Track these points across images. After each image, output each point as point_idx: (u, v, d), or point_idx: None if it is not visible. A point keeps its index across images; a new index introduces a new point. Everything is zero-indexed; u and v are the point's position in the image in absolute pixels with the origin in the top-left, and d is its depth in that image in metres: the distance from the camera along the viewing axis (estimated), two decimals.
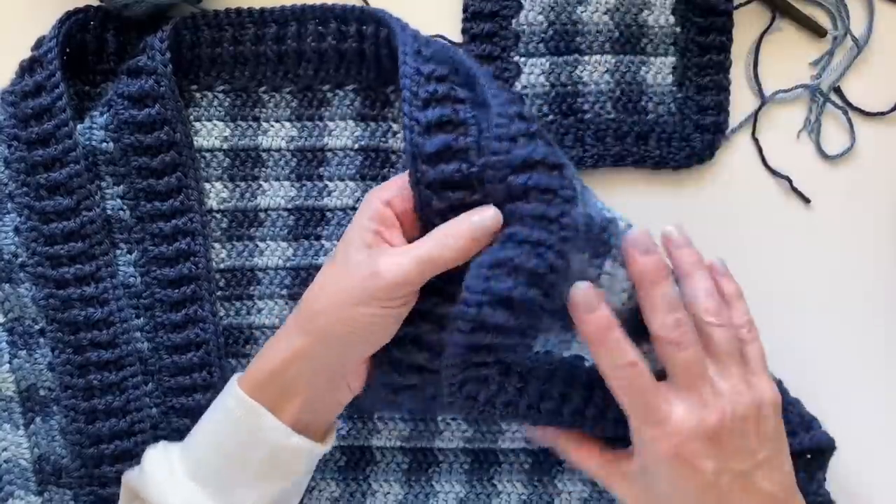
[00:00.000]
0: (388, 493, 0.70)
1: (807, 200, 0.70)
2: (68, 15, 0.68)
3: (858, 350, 0.69)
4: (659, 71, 0.69)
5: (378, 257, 0.56)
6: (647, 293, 0.58)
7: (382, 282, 0.55)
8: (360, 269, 0.56)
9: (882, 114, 0.69)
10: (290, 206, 0.69)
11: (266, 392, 0.59)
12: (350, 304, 0.57)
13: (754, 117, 0.71)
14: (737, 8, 0.70)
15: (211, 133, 0.69)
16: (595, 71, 0.69)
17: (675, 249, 0.61)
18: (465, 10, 0.70)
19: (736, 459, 0.57)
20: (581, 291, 0.56)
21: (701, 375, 0.57)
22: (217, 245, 0.70)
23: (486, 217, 0.55)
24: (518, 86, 0.69)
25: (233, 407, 0.59)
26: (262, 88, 0.69)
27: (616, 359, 0.57)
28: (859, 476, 0.68)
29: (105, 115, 0.66)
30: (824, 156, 0.70)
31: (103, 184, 0.67)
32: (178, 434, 0.66)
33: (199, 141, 0.69)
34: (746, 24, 0.70)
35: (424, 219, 0.57)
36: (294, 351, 0.58)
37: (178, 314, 0.67)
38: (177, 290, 0.67)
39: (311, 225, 0.70)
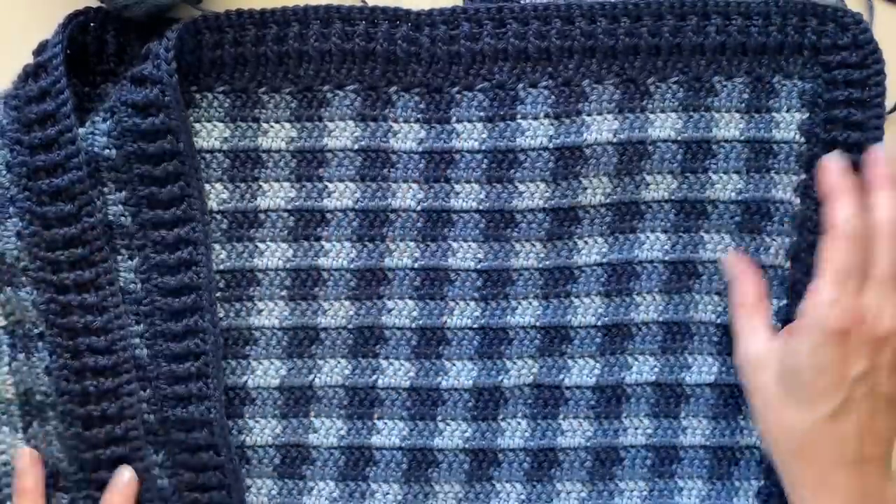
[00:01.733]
0: (388, 493, 0.70)
1: None
2: (70, 18, 0.67)
3: None
4: None
5: None
6: (879, 195, 0.63)
7: None
8: None
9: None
10: (289, 207, 0.69)
11: None
12: None
13: None
14: None
15: (211, 134, 0.69)
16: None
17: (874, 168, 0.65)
18: None
19: (879, 380, 0.61)
20: (834, 162, 0.65)
21: (891, 283, 0.62)
22: (217, 246, 0.70)
23: None
24: None
25: None
26: (262, 89, 0.69)
27: (847, 216, 0.63)
28: None
29: (108, 122, 0.66)
30: None
31: (105, 189, 0.67)
32: (176, 446, 0.67)
33: (198, 142, 0.69)
34: None
35: None
36: None
37: (179, 324, 0.67)
38: (177, 300, 0.67)
39: (311, 226, 0.70)
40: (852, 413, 0.61)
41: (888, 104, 0.68)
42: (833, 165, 0.66)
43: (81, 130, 0.67)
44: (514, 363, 0.70)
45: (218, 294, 0.70)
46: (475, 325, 0.70)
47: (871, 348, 0.61)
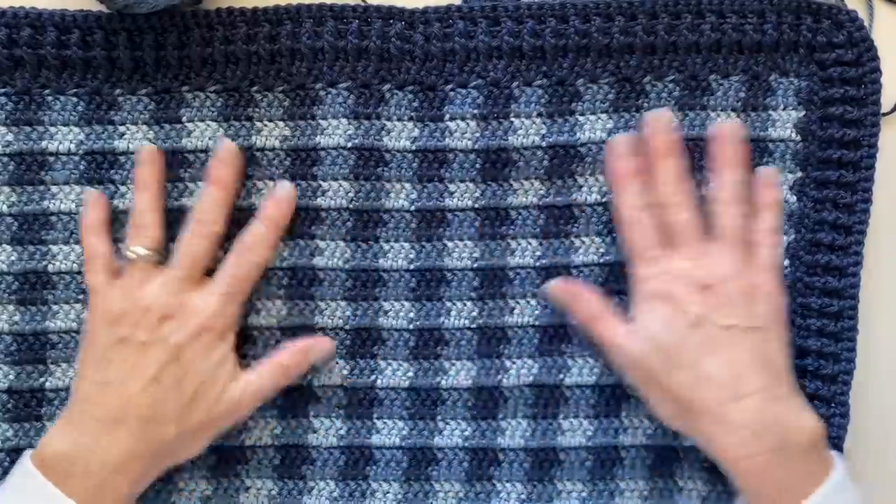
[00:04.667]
0: (388, 492, 0.70)
1: None
2: None
3: (860, 350, 0.68)
4: None
5: None
6: (658, 165, 0.66)
7: None
8: None
9: (883, 114, 0.69)
10: None
11: None
12: None
13: None
14: None
15: (204, 133, 0.69)
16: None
17: (718, 144, 0.67)
18: None
19: (722, 314, 0.63)
20: (622, 140, 0.67)
21: (696, 239, 0.65)
22: None
23: None
24: None
25: None
26: (255, 88, 0.69)
27: (634, 201, 0.66)
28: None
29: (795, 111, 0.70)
30: None
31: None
32: None
33: (191, 141, 0.69)
34: None
35: None
36: None
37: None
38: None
39: (306, 225, 0.69)
40: (719, 354, 0.63)
41: (887, 105, 0.68)
42: (617, 148, 0.67)
43: None
44: (514, 362, 0.70)
45: None
46: (473, 325, 0.70)
47: (699, 295, 0.64)
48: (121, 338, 0.64)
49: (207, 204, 0.67)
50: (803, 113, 0.69)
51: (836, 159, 0.68)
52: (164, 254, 0.67)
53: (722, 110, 0.69)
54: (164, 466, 0.66)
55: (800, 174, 0.69)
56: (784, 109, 0.69)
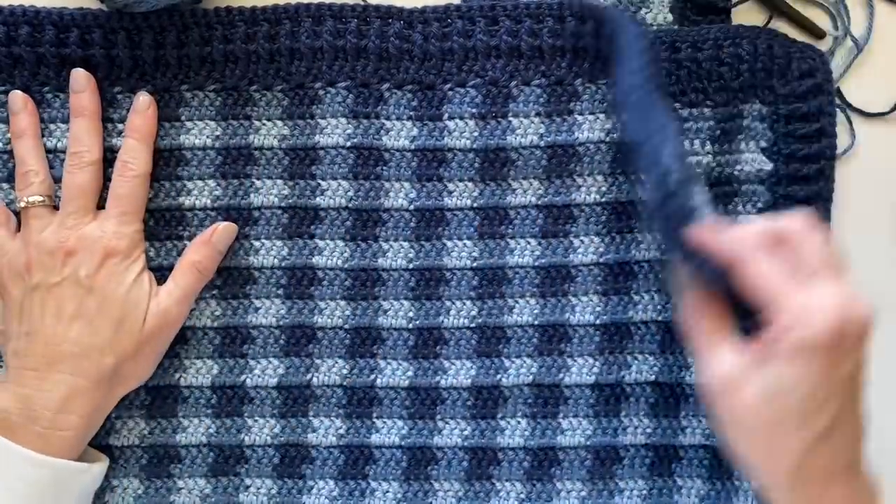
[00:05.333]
0: (387, 491, 0.70)
1: None
2: None
3: None
4: None
5: None
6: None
7: None
8: None
9: (882, 114, 0.69)
10: (283, 204, 0.69)
11: None
12: None
13: None
14: (734, 5, 0.69)
15: (202, 132, 0.69)
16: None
17: None
18: None
19: (854, 366, 0.53)
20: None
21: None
22: None
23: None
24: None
25: None
26: (254, 87, 0.68)
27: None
28: None
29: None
30: None
31: None
32: None
33: (190, 139, 0.69)
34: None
35: None
36: None
37: None
38: None
39: (305, 224, 0.69)
40: (848, 418, 0.53)
41: (887, 105, 0.68)
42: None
43: None
44: (513, 362, 0.70)
45: (214, 291, 0.69)
46: (472, 325, 0.70)
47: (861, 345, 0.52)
48: (33, 286, 0.64)
49: (78, 134, 0.67)
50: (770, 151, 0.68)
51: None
52: (56, 197, 0.67)
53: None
54: (118, 394, 0.67)
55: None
56: (754, 140, 0.68)
